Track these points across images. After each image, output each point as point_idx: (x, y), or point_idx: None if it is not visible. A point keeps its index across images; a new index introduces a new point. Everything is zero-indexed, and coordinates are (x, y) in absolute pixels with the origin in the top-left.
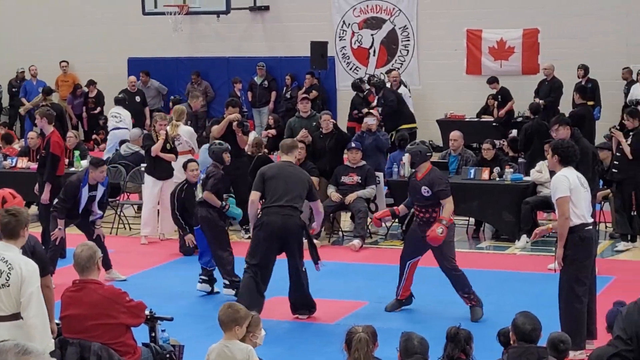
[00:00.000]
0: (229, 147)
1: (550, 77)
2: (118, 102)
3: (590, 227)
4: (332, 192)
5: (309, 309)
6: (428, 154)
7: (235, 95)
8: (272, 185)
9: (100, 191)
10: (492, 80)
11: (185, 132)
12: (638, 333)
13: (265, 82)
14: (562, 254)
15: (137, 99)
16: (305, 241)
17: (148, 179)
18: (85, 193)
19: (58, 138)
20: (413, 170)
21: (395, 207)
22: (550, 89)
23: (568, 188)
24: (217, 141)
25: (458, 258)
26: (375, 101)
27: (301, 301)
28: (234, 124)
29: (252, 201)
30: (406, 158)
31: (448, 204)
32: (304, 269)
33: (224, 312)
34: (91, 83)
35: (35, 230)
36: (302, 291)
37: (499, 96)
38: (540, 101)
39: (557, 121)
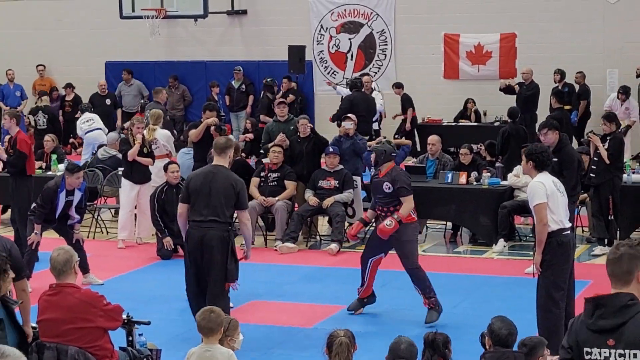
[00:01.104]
0: None
1: (529, 82)
2: (84, 110)
3: (569, 232)
4: (310, 197)
5: None
6: (393, 154)
7: (213, 99)
8: (194, 197)
9: (77, 196)
10: (398, 86)
11: (162, 136)
12: (577, 341)
13: (243, 86)
14: (540, 260)
15: (108, 101)
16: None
17: (125, 183)
18: (62, 198)
19: (25, 136)
20: (376, 169)
21: (364, 215)
22: (527, 91)
23: (545, 194)
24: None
25: (435, 262)
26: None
27: None
28: (212, 128)
29: (180, 214)
30: (372, 157)
31: (407, 203)
32: (227, 295)
33: (206, 316)
34: (69, 86)
35: (8, 234)
36: None
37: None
38: (509, 82)
39: (546, 125)
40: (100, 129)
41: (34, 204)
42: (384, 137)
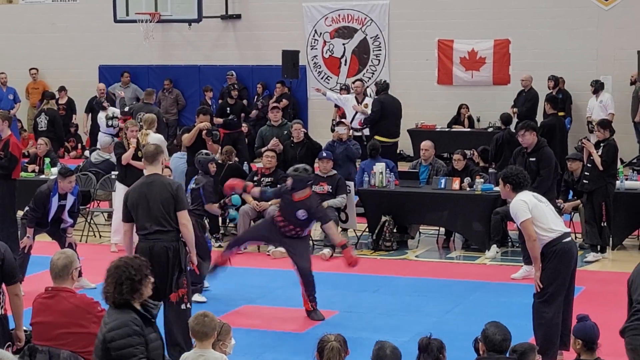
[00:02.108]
0: (215, 157)
1: (528, 88)
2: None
3: (569, 238)
4: None
5: None
6: (308, 182)
7: (207, 103)
8: (134, 212)
9: (70, 200)
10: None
11: (155, 140)
12: None
13: (236, 91)
14: (539, 276)
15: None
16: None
17: (119, 186)
18: (55, 202)
19: (16, 140)
20: (290, 189)
21: (248, 185)
22: (526, 99)
23: (528, 210)
24: (204, 151)
25: (428, 268)
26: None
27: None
28: (203, 132)
29: (124, 233)
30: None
31: (334, 227)
32: (184, 307)
33: (200, 321)
34: (62, 89)
35: None
36: (170, 338)
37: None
38: (514, 109)
39: (523, 126)
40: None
41: (26, 207)
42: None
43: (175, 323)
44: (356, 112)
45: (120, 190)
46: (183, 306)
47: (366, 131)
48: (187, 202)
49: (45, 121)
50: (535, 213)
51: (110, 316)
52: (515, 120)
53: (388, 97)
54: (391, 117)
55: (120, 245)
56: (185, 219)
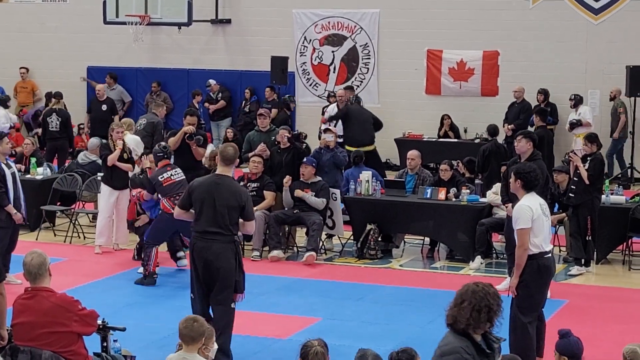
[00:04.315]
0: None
1: (520, 100)
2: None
3: (549, 255)
4: (296, 190)
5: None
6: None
7: (194, 107)
8: (197, 207)
9: (15, 168)
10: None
11: (131, 140)
12: None
13: (220, 95)
14: (516, 283)
15: (104, 107)
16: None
17: (105, 188)
18: (6, 170)
19: None
20: None
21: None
22: (519, 111)
23: (530, 219)
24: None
25: (412, 277)
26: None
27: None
28: (186, 136)
29: (180, 214)
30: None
31: None
32: (232, 306)
33: (189, 325)
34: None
35: None
36: (224, 337)
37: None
38: (510, 126)
39: (521, 133)
40: None
41: None
42: None
43: (221, 321)
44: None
45: (105, 192)
46: (232, 305)
47: None
48: (253, 213)
49: (57, 122)
50: (535, 225)
51: (445, 339)
52: (506, 134)
53: (358, 106)
54: (356, 125)
55: (105, 247)
56: (250, 227)
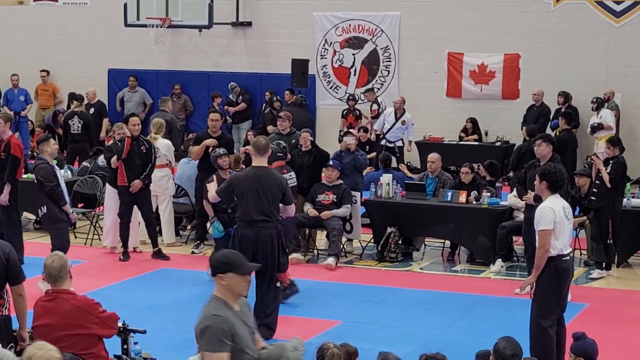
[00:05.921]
0: (222, 152)
1: (539, 103)
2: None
3: (567, 257)
4: (309, 209)
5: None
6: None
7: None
8: (241, 199)
9: None
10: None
11: (163, 145)
12: None
13: (240, 98)
14: (532, 282)
15: (92, 110)
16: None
17: (109, 190)
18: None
19: (18, 141)
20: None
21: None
22: (539, 114)
23: (552, 221)
24: (218, 149)
25: (432, 280)
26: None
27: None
28: (209, 150)
29: (213, 199)
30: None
31: None
32: (278, 285)
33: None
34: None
35: None
36: (273, 315)
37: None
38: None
39: (541, 137)
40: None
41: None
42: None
43: (267, 299)
44: (394, 124)
45: (110, 194)
46: (278, 284)
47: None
48: (292, 197)
49: (79, 124)
50: (557, 228)
51: None
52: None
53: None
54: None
55: (110, 248)
56: (292, 210)
